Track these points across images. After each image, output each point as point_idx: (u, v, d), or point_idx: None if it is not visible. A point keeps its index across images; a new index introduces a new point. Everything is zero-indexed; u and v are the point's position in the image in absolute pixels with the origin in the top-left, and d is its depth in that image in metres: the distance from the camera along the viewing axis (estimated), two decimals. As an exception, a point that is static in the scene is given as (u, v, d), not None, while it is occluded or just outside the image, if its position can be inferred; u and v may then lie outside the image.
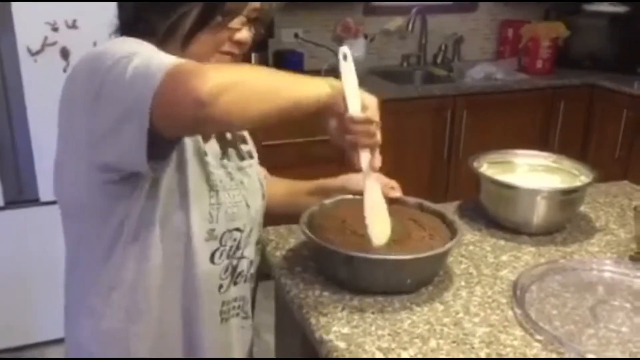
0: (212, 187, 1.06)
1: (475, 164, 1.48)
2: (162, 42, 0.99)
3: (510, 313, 1.10)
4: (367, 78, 3.18)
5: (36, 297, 2.48)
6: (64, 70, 2.25)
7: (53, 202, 2.28)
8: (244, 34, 1.04)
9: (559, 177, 1.50)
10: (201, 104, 0.80)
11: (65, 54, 2.24)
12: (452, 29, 3.61)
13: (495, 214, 1.44)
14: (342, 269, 1.15)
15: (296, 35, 3.27)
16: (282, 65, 3.17)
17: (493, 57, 3.70)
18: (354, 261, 1.12)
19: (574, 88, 3.34)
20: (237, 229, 1.11)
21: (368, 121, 1.00)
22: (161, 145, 0.89)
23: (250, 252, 1.16)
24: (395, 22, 3.44)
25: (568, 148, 3.35)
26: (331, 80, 0.98)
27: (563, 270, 1.23)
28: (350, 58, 1.04)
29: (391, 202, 1.25)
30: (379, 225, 1.11)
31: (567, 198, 1.41)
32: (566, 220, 1.45)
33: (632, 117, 3.15)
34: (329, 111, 0.99)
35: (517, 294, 1.13)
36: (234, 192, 1.10)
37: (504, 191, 1.40)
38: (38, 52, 2.21)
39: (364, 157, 1.03)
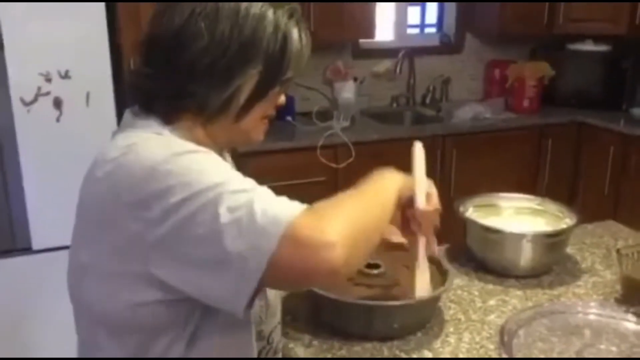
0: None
1: (460, 208, 1.50)
2: (212, 116, 0.93)
3: None
4: (358, 119, 3.22)
5: (29, 345, 2.45)
6: (57, 120, 2.28)
7: (45, 250, 2.33)
8: (283, 97, 1.01)
9: (544, 219, 1.52)
10: (335, 273, 0.80)
11: (58, 103, 2.27)
12: (439, 70, 3.68)
13: (482, 257, 1.45)
14: (335, 315, 1.17)
15: (287, 79, 3.33)
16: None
17: (480, 97, 3.76)
18: (346, 308, 1.15)
19: (561, 126, 3.39)
20: (279, 322, 1.12)
21: (435, 212, 1.07)
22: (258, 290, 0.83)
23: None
24: (384, 65, 3.51)
25: (557, 185, 3.39)
26: (393, 177, 1.03)
27: (550, 314, 1.24)
28: (423, 154, 1.13)
29: (394, 247, 1.29)
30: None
31: (553, 241, 1.43)
32: (553, 262, 1.47)
33: (620, 154, 3.19)
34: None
35: (505, 339, 1.13)
36: None
37: (490, 235, 1.42)
38: (31, 103, 2.24)
39: (422, 240, 1.12)
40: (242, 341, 0.98)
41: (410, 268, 1.17)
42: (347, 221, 0.83)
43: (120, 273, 0.86)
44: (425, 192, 1.07)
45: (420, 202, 1.06)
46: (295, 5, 0.96)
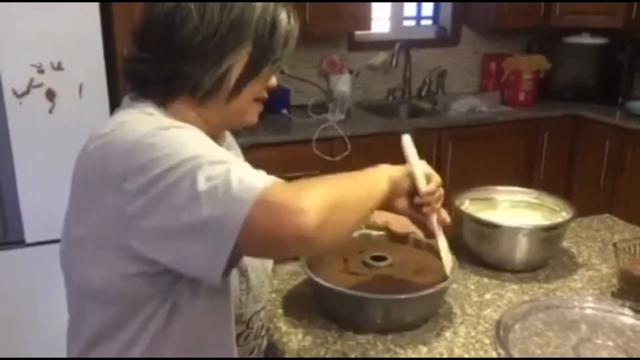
0: (242, 272, 1.05)
1: (456, 202, 1.49)
2: (204, 98, 0.95)
3: (494, 354, 1.11)
4: (353, 112, 3.21)
5: (22, 339, 2.44)
6: (50, 112, 2.26)
7: (38, 244, 2.31)
8: (274, 79, 1.03)
9: (541, 213, 1.51)
10: (306, 240, 0.80)
11: (50, 95, 2.25)
12: (435, 62, 3.66)
13: (478, 251, 1.44)
14: (340, 306, 1.18)
15: (282, 72, 3.31)
16: (269, 101, 3.18)
17: (476, 90, 3.75)
18: (356, 300, 1.15)
19: (556, 119, 3.38)
20: (263, 308, 1.13)
21: (438, 188, 1.11)
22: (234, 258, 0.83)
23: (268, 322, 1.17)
24: (380, 57, 3.49)
25: (553, 178, 3.38)
26: (384, 167, 1.05)
27: (546, 308, 1.23)
28: (411, 141, 1.17)
29: (399, 238, 1.35)
30: (450, 263, 1.22)
31: (549, 235, 1.42)
32: (549, 256, 1.46)
33: (615, 147, 3.19)
34: (395, 194, 1.05)
35: (501, 334, 1.13)
36: (259, 271, 1.10)
37: (486, 229, 1.41)
38: (23, 94, 2.22)
39: (434, 218, 1.14)
40: (221, 319, 0.99)
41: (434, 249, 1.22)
42: (324, 194, 0.84)
43: (105, 245, 0.88)
44: (423, 175, 1.10)
45: (422, 185, 1.09)
46: None
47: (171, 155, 0.82)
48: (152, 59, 0.94)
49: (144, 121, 0.90)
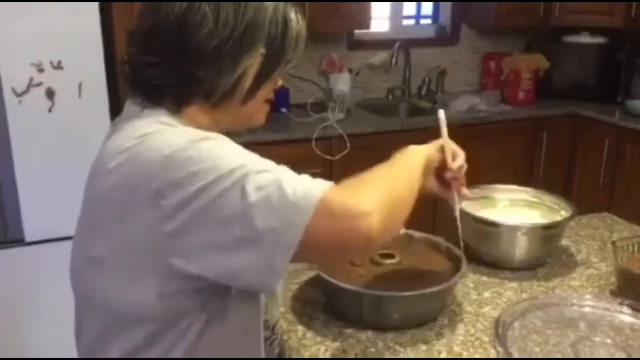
0: None
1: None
2: (218, 102, 0.93)
3: (492, 352, 1.11)
4: (353, 111, 3.21)
5: (21, 337, 2.44)
6: (49, 111, 2.26)
7: (38, 242, 2.31)
8: (280, 81, 1.02)
9: (540, 211, 1.52)
10: (370, 242, 0.81)
11: (50, 94, 2.25)
12: (434, 61, 3.66)
13: (477, 249, 1.45)
14: (340, 301, 1.20)
15: (282, 70, 3.31)
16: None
17: (476, 89, 3.75)
18: (360, 297, 1.17)
19: (556, 118, 3.38)
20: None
21: (463, 165, 1.20)
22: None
23: None
24: (379, 56, 3.49)
25: (553, 177, 3.39)
26: (416, 149, 1.10)
27: (545, 306, 1.24)
28: (445, 120, 1.25)
29: None
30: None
31: (548, 233, 1.42)
32: (548, 254, 1.46)
33: (614, 146, 3.19)
34: (427, 172, 1.10)
35: (499, 332, 1.13)
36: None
37: (485, 227, 1.41)
38: (23, 93, 2.22)
39: (456, 193, 1.22)
40: (251, 327, 0.98)
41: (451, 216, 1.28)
42: (380, 192, 0.85)
43: (137, 265, 0.85)
44: (451, 152, 1.18)
45: (451, 162, 1.17)
46: None
47: (212, 169, 0.80)
48: (163, 63, 0.90)
49: (169, 133, 0.86)
